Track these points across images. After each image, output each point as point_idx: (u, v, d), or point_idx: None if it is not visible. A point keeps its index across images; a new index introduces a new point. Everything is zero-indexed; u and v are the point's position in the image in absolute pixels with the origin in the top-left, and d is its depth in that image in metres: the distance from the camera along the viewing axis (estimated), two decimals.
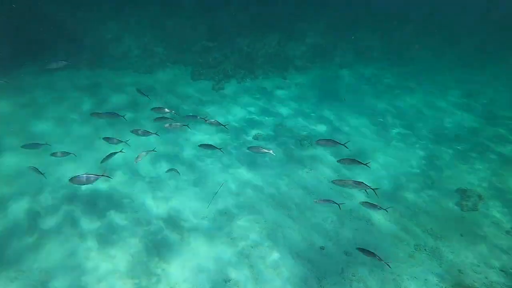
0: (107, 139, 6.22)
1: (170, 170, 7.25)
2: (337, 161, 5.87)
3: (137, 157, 6.10)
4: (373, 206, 5.30)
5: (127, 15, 14.28)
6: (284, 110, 11.17)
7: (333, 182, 5.37)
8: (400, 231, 6.67)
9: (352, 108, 11.60)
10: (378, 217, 6.94)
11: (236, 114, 10.74)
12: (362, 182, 5.09)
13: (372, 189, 5.09)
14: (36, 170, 5.92)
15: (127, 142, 6.38)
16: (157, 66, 13.16)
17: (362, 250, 4.84)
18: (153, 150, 6.74)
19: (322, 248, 6.14)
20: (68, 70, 11.97)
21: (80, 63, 12.25)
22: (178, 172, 7.18)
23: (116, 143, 6.23)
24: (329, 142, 5.67)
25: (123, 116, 6.16)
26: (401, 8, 17.79)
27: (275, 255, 5.91)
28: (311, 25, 15.61)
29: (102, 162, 6.32)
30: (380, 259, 4.75)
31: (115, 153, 6.22)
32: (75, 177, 4.84)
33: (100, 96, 10.72)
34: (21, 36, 11.51)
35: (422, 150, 9.54)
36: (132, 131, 6.26)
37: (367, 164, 5.48)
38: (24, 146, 6.49)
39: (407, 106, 12.23)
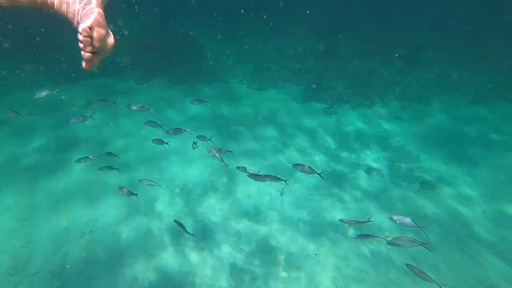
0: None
1: None
2: None
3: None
4: None
5: (242, 36, 14.84)
6: (397, 143, 9.80)
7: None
8: None
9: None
10: None
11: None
12: None
13: None
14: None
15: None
16: (269, 83, 13.15)
17: None
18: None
19: None
20: (188, 83, 12.75)
21: (202, 77, 12.99)
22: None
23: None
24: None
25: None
26: None
27: None
28: (437, 52, 13.93)
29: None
30: None
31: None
32: None
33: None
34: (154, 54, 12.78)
35: None
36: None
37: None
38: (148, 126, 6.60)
39: None
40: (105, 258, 5.65)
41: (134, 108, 6.28)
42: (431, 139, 10.14)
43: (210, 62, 13.65)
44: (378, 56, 13.20)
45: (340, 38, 14.24)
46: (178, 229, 5.70)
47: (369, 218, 5.31)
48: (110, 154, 6.33)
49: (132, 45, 13.01)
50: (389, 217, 4.96)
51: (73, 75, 11.79)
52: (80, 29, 1.45)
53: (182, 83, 12.68)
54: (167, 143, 6.52)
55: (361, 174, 8.31)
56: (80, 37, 1.45)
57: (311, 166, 4.94)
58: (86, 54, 1.48)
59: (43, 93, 6.86)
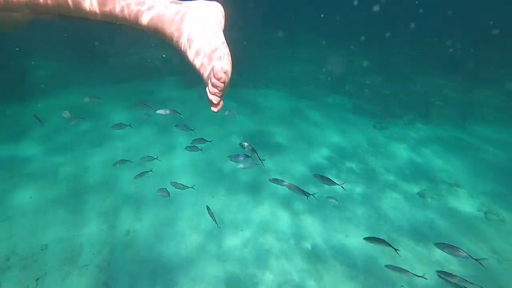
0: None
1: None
2: None
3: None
4: None
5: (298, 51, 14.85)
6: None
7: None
8: None
9: None
10: None
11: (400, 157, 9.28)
12: None
13: None
14: None
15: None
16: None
17: None
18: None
19: None
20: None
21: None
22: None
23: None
24: None
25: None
26: None
27: None
28: (508, 70, 12.69)
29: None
30: None
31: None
32: None
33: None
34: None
35: None
36: None
37: None
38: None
39: None
40: (148, 258, 5.83)
41: (164, 112, 6.39)
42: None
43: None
44: (437, 72, 12.40)
45: (391, 53, 13.62)
46: (218, 233, 5.71)
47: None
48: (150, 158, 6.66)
49: None
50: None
51: (122, 77, 12.64)
52: (218, 73, 1.31)
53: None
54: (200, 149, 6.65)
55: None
56: (217, 82, 1.33)
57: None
58: (217, 99, 1.37)
59: (88, 99, 7.46)
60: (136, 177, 6.67)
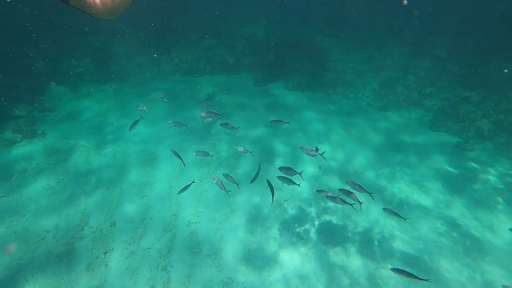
0: None
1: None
2: None
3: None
4: None
5: (371, 48, 13.90)
6: None
7: None
8: None
9: None
10: None
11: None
12: None
13: None
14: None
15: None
16: (391, 104, 11.90)
17: None
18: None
19: None
20: (307, 92, 12.54)
21: (320, 86, 12.62)
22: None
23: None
24: None
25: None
26: None
27: None
28: None
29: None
30: None
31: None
32: None
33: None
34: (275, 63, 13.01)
35: None
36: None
37: None
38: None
39: None
40: (205, 252, 5.80)
41: (206, 116, 6.03)
42: None
43: (332, 74, 13.19)
44: None
45: (491, 62, 11.98)
46: (294, 239, 5.42)
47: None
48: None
49: (254, 48, 13.57)
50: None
51: (200, 70, 13.00)
52: None
53: (300, 90, 12.57)
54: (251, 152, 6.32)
55: None
56: None
57: None
58: None
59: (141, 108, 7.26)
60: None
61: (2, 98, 9.29)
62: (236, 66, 13.65)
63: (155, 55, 13.05)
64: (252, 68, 13.50)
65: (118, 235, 6.01)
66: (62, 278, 5.23)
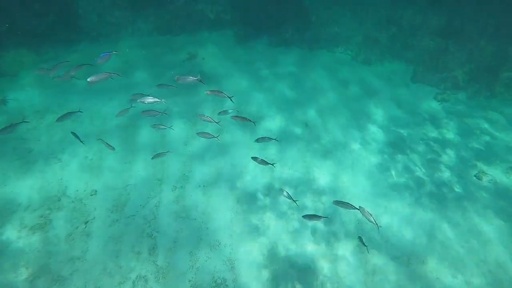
0: None
1: None
2: None
3: None
4: None
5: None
6: None
7: None
8: None
9: None
10: None
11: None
12: None
13: None
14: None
15: None
16: (375, 58, 11.67)
17: None
18: None
19: None
20: (291, 47, 12.04)
21: (304, 43, 12.17)
22: None
23: None
24: None
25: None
26: None
27: None
28: None
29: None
30: None
31: None
32: None
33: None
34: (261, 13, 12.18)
35: None
36: None
37: None
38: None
39: None
40: (193, 216, 5.73)
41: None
42: None
43: (315, 28, 12.59)
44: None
45: (466, 12, 11.67)
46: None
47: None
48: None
49: (236, 2, 12.66)
50: None
51: (177, 27, 12.10)
52: None
53: (285, 45, 12.06)
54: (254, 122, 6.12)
55: None
56: None
57: None
58: None
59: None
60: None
61: None
62: (217, 22, 12.72)
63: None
64: (234, 25, 12.67)
65: (100, 204, 5.80)
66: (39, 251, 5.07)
